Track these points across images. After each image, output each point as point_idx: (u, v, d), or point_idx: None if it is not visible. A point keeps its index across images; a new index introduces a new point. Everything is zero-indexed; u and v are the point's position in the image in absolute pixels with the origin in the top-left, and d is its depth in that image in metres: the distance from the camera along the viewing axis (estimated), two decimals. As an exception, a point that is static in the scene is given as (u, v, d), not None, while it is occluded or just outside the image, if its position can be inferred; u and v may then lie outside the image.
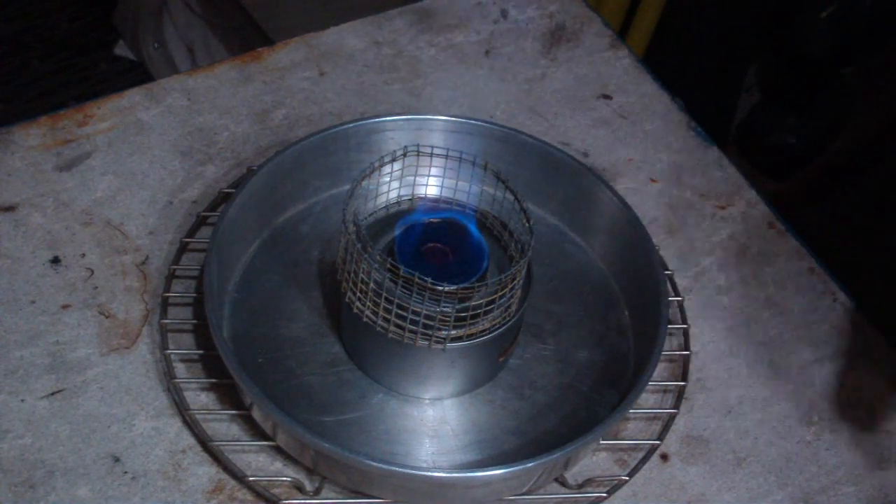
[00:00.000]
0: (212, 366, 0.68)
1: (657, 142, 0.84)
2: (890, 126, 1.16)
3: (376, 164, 0.67)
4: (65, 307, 0.70)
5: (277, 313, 0.70)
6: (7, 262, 0.72)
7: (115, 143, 0.79)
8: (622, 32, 1.49)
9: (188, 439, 0.66)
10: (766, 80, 1.68)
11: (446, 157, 0.70)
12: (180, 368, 0.68)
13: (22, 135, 0.78)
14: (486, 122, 0.76)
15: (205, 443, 0.65)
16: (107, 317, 0.70)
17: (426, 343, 0.64)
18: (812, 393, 0.72)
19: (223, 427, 0.66)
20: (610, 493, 0.66)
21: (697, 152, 0.84)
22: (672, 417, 0.69)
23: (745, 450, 0.69)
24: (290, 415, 0.62)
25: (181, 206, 0.76)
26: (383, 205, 0.70)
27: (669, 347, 0.72)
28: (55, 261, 0.72)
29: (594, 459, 0.68)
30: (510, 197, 0.67)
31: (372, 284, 0.63)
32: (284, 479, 0.65)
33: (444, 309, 0.63)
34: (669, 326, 0.70)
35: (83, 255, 0.73)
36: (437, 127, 0.75)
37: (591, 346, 0.71)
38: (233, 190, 0.72)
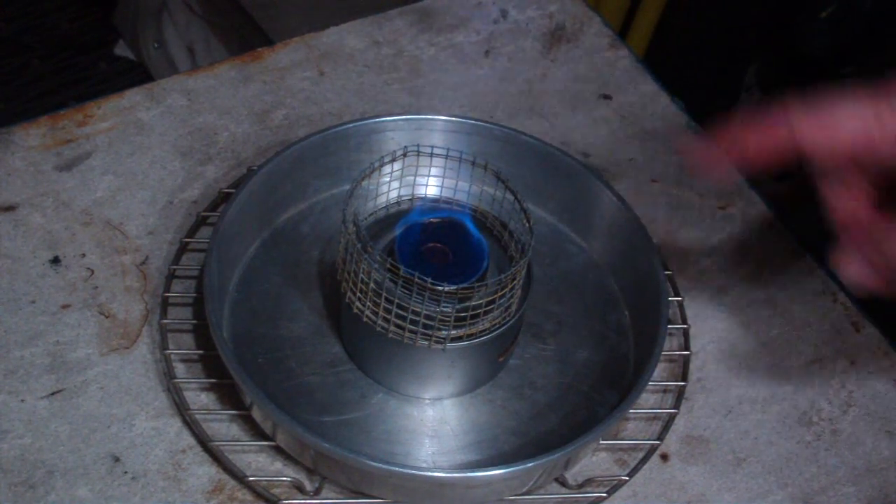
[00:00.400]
0: (212, 366, 0.68)
1: (657, 142, 0.84)
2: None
3: (376, 164, 0.67)
4: (65, 307, 0.70)
5: (277, 313, 0.70)
6: (7, 262, 0.72)
7: (115, 143, 0.79)
8: (622, 32, 1.49)
9: (188, 439, 0.66)
10: (766, 80, 1.68)
11: (446, 157, 0.70)
12: (180, 368, 0.68)
13: (22, 135, 0.78)
14: (486, 122, 0.76)
15: (205, 443, 0.65)
16: (107, 317, 0.70)
17: (426, 343, 0.64)
18: (812, 393, 0.72)
19: (223, 427, 0.66)
20: (610, 493, 0.66)
21: (697, 152, 0.84)
22: (672, 417, 0.69)
23: (745, 450, 0.69)
24: (290, 415, 0.62)
25: (181, 206, 0.76)
26: (383, 205, 0.70)
27: (669, 347, 0.72)
28: (55, 261, 0.72)
29: (594, 459, 0.68)
30: (510, 197, 0.67)
31: (372, 284, 0.63)
32: (284, 479, 0.65)
33: (444, 309, 0.63)
34: (669, 326, 0.70)
35: (83, 255, 0.73)
36: (437, 127, 0.75)
37: (591, 346, 0.71)
38: (233, 190, 0.72)
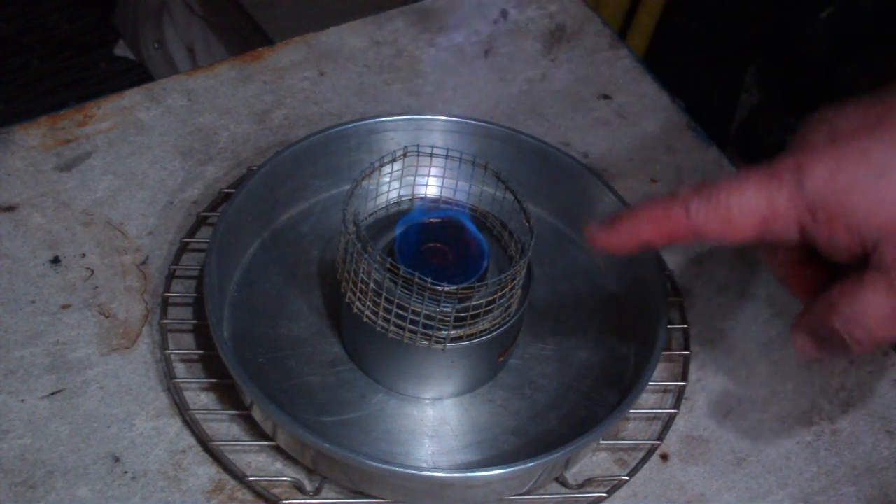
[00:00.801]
0: (212, 366, 0.68)
1: (657, 142, 0.84)
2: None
3: (376, 164, 0.67)
4: (65, 307, 0.70)
5: (277, 313, 0.70)
6: (7, 262, 0.72)
7: (115, 143, 0.79)
8: (622, 32, 1.49)
9: (188, 439, 0.66)
10: (766, 80, 1.68)
11: (446, 157, 0.70)
12: (180, 368, 0.68)
13: (22, 135, 0.78)
14: (486, 122, 0.76)
15: (205, 443, 0.65)
16: (107, 317, 0.70)
17: (426, 343, 0.64)
18: (812, 393, 0.72)
19: (223, 427, 0.66)
20: (610, 493, 0.66)
21: (697, 152, 0.84)
22: (672, 417, 0.69)
23: (745, 450, 0.69)
24: (290, 415, 0.62)
25: (181, 206, 0.76)
26: (383, 205, 0.70)
27: (669, 347, 0.72)
28: (55, 261, 0.72)
29: (594, 459, 0.68)
30: (510, 197, 0.67)
31: (372, 284, 0.63)
32: (284, 479, 0.65)
33: (444, 309, 0.63)
34: (669, 326, 0.70)
35: (83, 255, 0.73)
36: (437, 127, 0.75)
37: (591, 346, 0.71)
38: (233, 190, 0.72)
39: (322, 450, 0.61)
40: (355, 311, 0.65)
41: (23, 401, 0.66)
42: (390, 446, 0.66)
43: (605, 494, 0.66)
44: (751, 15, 1.54)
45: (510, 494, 0.65)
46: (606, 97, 0.87)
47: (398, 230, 0.66)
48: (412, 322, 0.63)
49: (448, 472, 0.63)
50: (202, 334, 0.69)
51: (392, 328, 0.64)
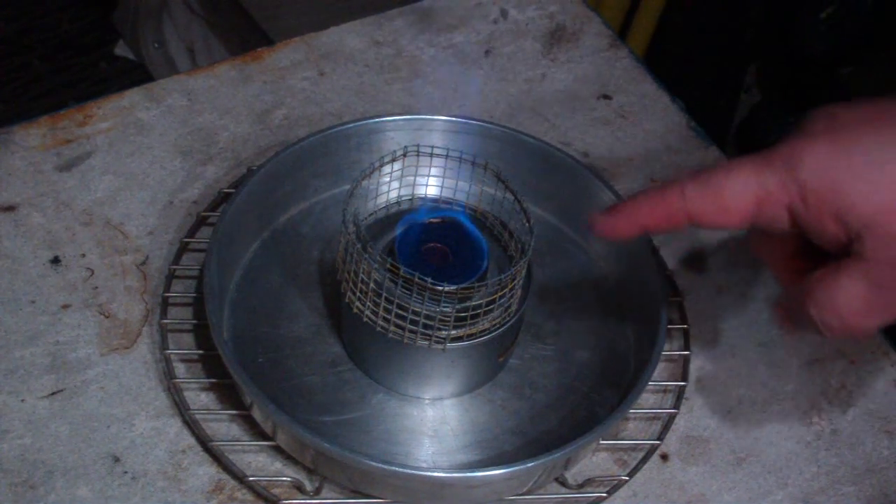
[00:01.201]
0: (212, 366, 0.68)
1: (657, 142, 0.84)
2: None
3: (376, 164, 0.67)
4: (65, 307, 0.70)
5: (277, 313, 0.70)
6: (7, 262, 0.72)
7: (115, 143, 0.79)
8: (622, 32, 1.49)
9: (188, 439, 0.66)
10: (766, 80, 1.68)
11: (446, 157, 0.70)
12: (180, 368, 0.68)
13: (22, 135, 0.78)
14: (486, 122, 0.76)
15: (205, 443, 0.65)
16: (107, 317, 0.70)
17: (426, 343, 0.64)
18: (812, 393, 0.72)
19: (223, 427, 0.66)
20: (610, 493, 0.66)
21: (697, 152, 0.84)
22: (672, 417, 0.69)
23: (745, 450, 0.69)
24: (290, 415, 0.62)
25: (181, 206, 0.76)
26: (383, 205, 0.70)
27: (669, 347, 0.72)
28: (55, 261, 0.72)
29: (594, 459, 0.68)
30: (510, 197, 0.67)
31: (372, 284, 0.63)
32: (284, 479, 0.65)
33: (444, 309, 0.63)
34: (669, 326, 0.70)
35: (83, 255, 0.73)
36: (437, 127, 0.75)
37: (591, 346, 0.71)
38: (233, 190, 0.72)
39: (322, 450, 0.61)
40: (355, 311, 0.65)
41: (23, 401, 0.66)
42: (390, 446, 0.66)
43: (605, 494, 0.66)
44: (751, 15, 1.54)
45: (510, 494, 0.65)
46: (606, 97, 0.87)
47: (398, 230, 0.66)
48: (412, 322, 0.63)
49: (448, 472, 0.63)
50: (202, 334, 0.69)
51: (392, 328, 0.64)
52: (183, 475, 0.65)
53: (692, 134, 0.85)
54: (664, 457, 0.69)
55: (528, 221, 0.66)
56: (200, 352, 0.69)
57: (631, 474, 0.67)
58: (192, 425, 0.65)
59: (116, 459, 0.65)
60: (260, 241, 0.74)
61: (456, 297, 0.63)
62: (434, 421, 0.67)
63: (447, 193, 0.72)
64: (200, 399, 0.67)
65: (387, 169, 0.68)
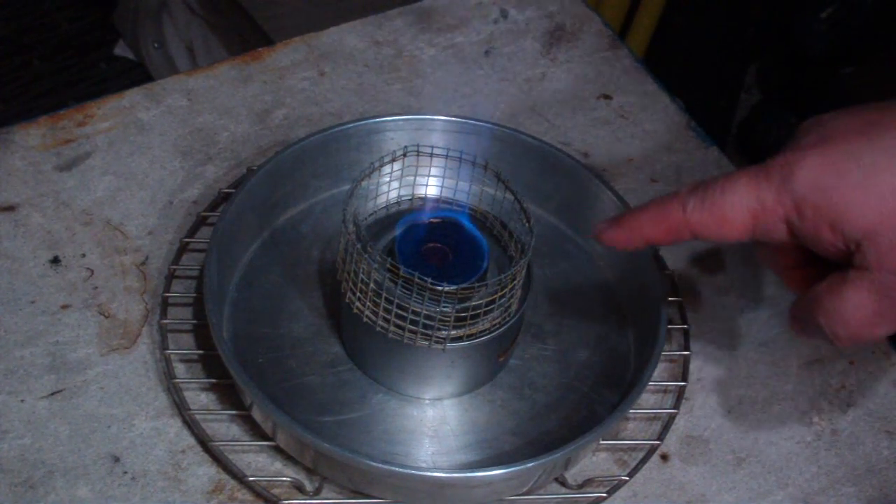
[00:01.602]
0: (212, 366, 0.68)
1: (657, 142, 0.84)
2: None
3: (376, 164, 0.67)
4: (65, 307, 0.70)
5: (277, 313, 0.70)
6: (7, 262, 0.72)
7: (115, 143, 0.79)
8: (622, 32, 1.50)
9: (188, 439, 0.66)
10: (766, 80, 1.68)
11: (446, 157, 0.70)
12: (180, 368, 0.68)
13: (22, 135, 0.78)
14: (486, 122, 0.76)
15: (205, 443, 0.65)
16: (107, 317, 0.70)
17: (426, 343, 0.64)
18: (812, 393, 0.72)
19: (223, 427, 0.66)
20: (610, 493, 0.66)
21: (697, 152, 0.84)
22: (672, 417, 0.69)
23: (745, 450, 0.69)
24: (290, 415, 0.62)
25: (181, 206, 0.76)
26: (383, 205, 0.70)
27: (669, 347, 0.72)
28: (55, 261, 0.72)
29: (594, 459, 0.68)
30: (510, 197, 0.67)
31: (372, 284, 0.63)
32: (284, 479, 0.65)
33: (444, 309, 0.63)
34: (669, 326, 0.70)
35: (83, 255, 0.73)
36: (437, 127, 0.75)
37: (591, 346, 0.71)
38: (233, 190, 0.72)
39: (322, 450, 0.61)
40: (355, 311, 0.65)
41: (23, 401, 0.66)
42: (390, 446, 0.66)
43: (605, 494, 0.66)
44: (751, 15, 1.54)
45: (510, 494, 0.65)
46: (606, 97, 0.87)
47: (398, 230, 0.66)
48: (412, 322, 0.63)
49: (448, 472, 0.63)
50: (202, 334, 0.69)
51: (392, 328, 0.64)
52: (183, 475, 0.65)
53: (692, 134, 0.85)
54: (664, 457, 0.69)
55: (528, 221, 0.65)
56: (200, 352, 0.69)
57: (631, 474, 0.67)
58: (192, 425, 0.65)
59: (116, 459, 0.65)
60: (260, 241, 0.74)
61: (456, 297, 0.63)
62: (434, 421, 0.67)
63: (447, 193, 0.72)
64: (200, 399, 0.67)
65: (387, 169, 0.68)
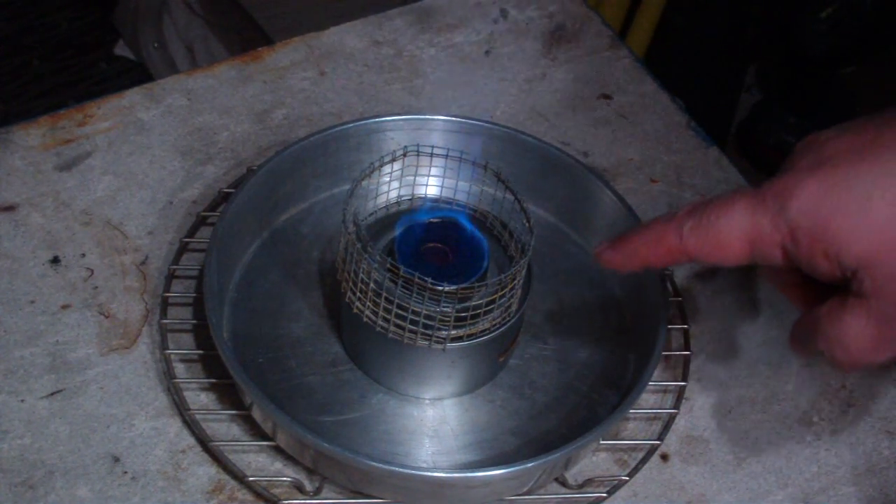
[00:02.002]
0: (212, 366, 0.68)
1: (657, 142, 0.84)
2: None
3: (376, 164, 0.67)
4: (65, 307, 0.70)
5: (277, 313, 0.70)
6: (7, 262, 0.72)
7: (115, 143, 0.79)
8: (622, 32, 1.50)
9: (188, 439, 0.66)
10: (766, 80, 1.68)
11: (446, 157, 0.70)
12: (180, 368, 0.68)
13: (22, 135, 0.78)
14: (486, 122, 0.76)
15: (205, 443, 0.65)
16: (107, 317, 0.70)
17: (426, 343, 0.64)
18: (812, 393, 0.72)
19: (223, 427, 0.66)
20: (610, 493, 0.66)
21: (697, 152, 0.84)
22: (672, 417, 0.69)
23: (745, 450, 0.69)
24: (290, 415, 0.62)
25: (181, 206, 0.76)
26: (383, 205, 0.70)
27: (669, 347, 0.72)
28: (55, 261, 0.72)
29: (594, 459, 0.68)
30: (510, 197, 0.67)
31: (372, 284, 0.63)
32: (284, 479, 0.65)
33: (444, 309, 0.63)
34: (669, 326, 0.70)
35: (83, 255, 0.73)
36: (437, 127, 0.75)
37: (591, 346, 0.71)
38: (233, 190, 0.72)
39: (322, 450, 0.61)
40: (355, 311, 0.65)
41: (23, 401, 0.66)
42: (390, 446, 0.66)
43: (605, 494, 0.66)
44: (751, 15, 1.54)
45: (510, 494, 0.65)
46: (606, 97, 0.87)
47: (398, 230, 0.66)
48: (412, 322, 0.63)
49: (448, 472, 0.63)
50: (202, 334, 0.69)
51: (392, 328, 0.64)
52: (183, 475, 0.65)
53: (692, 134, 0.85)
54: (664, 457, 0.69)
55: (528, 221, 0.65)
56: (200, 352, 0.69)
57: (631, 474, 0.67)
58: (192, 425, 0.65)
59: (116, 459, 0.65)
60: (260, 241, 0.74)
61: (456, 297, 0.63)
62: (434, 421, 0.67)
63: (447, 193, 0.72)
64: (200, 399, 0.67)
65: (387, 169, 0.68)
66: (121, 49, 1.88)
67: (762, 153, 1.56)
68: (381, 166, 0.68)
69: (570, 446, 0.62)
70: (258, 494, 0.64)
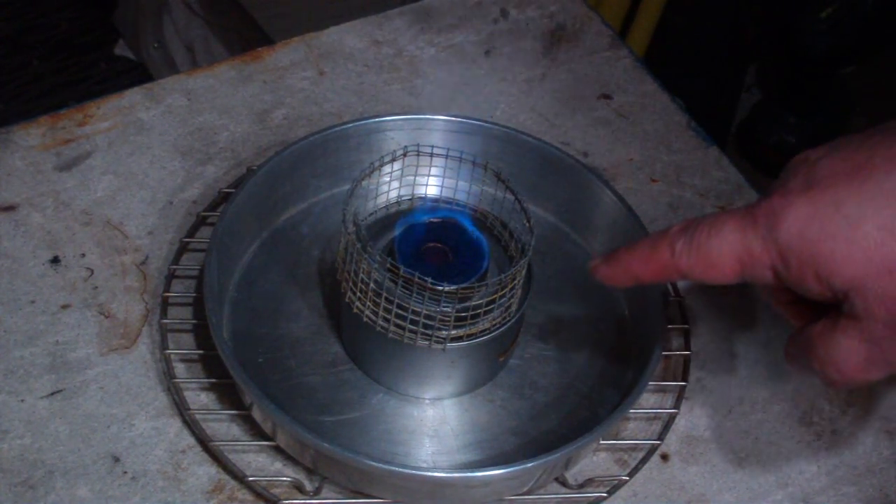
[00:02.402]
0: (212, 366, 0.68)
1: (657, 142, 0.84)
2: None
3: (376, 164, 0.67)
4: (65, 307, 0.70)
5: (277, 313, 0.70)
6: (7, 262, 0.72)
7: (115, 143, 0.79)
8: (622, 32, 1.49)
9: (188, 439, 0.66)
10: (766, 80, 1.68)
11: (446, 157, 0.70)
12: (180, 368, 0.68)
13: (22, 135, 0.78)
14: (486, 122, 0.76)
15: (205, 443, 0.65)
16: (107, 317, 0.70)
17: (426, 343, 0.64)
18: (812, 393, 0.72)
19: (223, 427, 0.66)
20: (610, 493, 0.66)
21: (697, 152, 0.84)
22: (672, 417, 0.69)
23: (745, 450, 0.69)
24: (289, 415, 0.62)
25: (181, 206, 0.76)
26: (383, 205, 0.70)
27: (669, 347, 0.72)
28: (55, 261, 0.72)
29: (594, 459, 0.68)
30: (510, 197, 0.67)
31: (372, 284, 0.63)
32: (284, 479, 0.65)
33: (444, 309, 0.63)
34: (669, 326, 0.70)
35: (83, 255, 0.73)
36: (437, 127, 0.75)
37: (591, 347, 0.71)
38: (233, 190, 0.72)
39: (322, 450, 0.61)
40: (355, 311, 0.65)
41: (22, 401, 0.66)
42: (390, 446, 0.66)
43: (605, 494, 0.66)
44: (751, 15, 1.54)
45: (510, 494, 0.65)
46: (606, 97, 0.87)
47: (398, 230, 0.66)
48: (412, 322, 0.63)
49: (448, 472, 0.63)
50: (202, 334, 0.69)
51: (392, 328, 0.64)
52: (183, 475, 0.65)
53: (692, 134, 0.85)
54: (664, 457, 0.69)
55: (528, 221, 0.65)
56: (200, 352, 0.69)
57: (631, 474, 0.67)
58: (192, 425, 0.65)
59: (116, 459, 0.65)
60: (259, 241, 0.74)
61: (456, 297, 0.63)
62: (434, 421, 0.67)
63: (447, 193, 0.72)
64: (200, 399, 0.67)
65: (387, 169, 0.68)
66: (121, 49, 1.88)
67: (762, 153, 1.56)
68: (381, 166, 0.68)
69: (570, 446, 0.62)
70: (258, 494, 0.64)
